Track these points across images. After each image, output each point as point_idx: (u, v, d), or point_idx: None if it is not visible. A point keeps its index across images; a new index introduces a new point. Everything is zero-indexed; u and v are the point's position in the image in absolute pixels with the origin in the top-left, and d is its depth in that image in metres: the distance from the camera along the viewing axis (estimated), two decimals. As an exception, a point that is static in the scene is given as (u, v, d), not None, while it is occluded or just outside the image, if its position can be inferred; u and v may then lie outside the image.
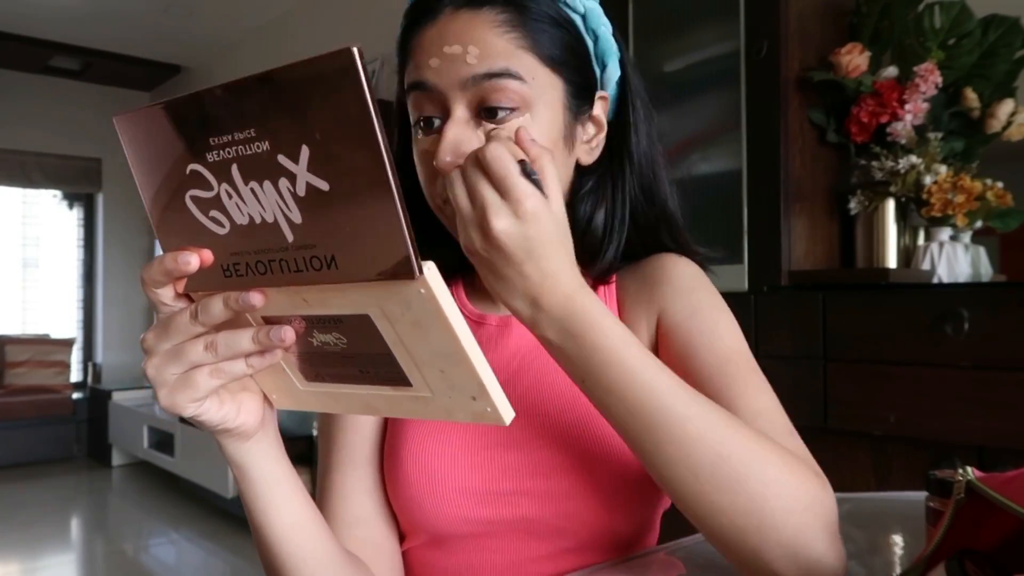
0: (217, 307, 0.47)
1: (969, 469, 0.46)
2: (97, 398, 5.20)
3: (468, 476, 0.67)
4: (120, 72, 5.30)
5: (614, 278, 0.73)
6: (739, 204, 1.77)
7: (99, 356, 5.68)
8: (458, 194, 0.52)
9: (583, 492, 0.65)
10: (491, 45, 0.61)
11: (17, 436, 4.94)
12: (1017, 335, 1.34)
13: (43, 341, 5.41)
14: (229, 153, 0.43)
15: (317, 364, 0.50)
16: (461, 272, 0.78)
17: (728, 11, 1.80)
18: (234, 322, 0.48)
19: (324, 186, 0.41)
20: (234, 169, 0.43)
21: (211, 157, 0.44)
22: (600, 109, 0.69)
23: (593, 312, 0.52)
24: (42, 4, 4.18)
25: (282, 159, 0.41)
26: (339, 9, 3.87)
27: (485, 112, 0.62)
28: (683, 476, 0.51)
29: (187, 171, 0.45)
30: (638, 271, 0.72)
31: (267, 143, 0.41)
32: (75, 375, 5.57)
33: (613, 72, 0.70)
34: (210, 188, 0.45)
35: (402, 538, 0.73)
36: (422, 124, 0.64)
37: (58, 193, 5.70)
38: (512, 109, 0.62)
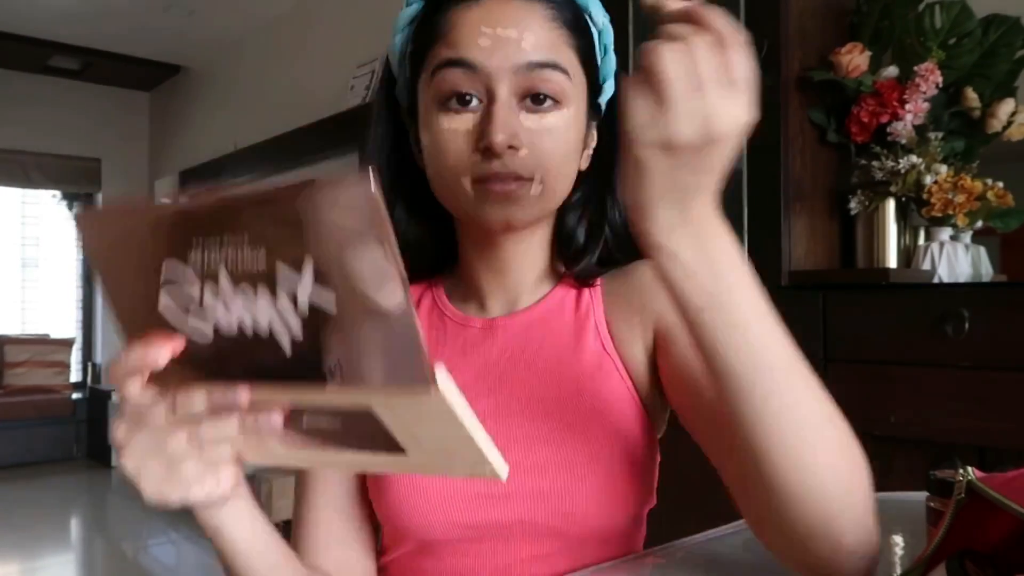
0: (199, 403, 0.45)
1: (969, 469, 0.46)
2: (97, 398, 5.20)
3: (456, 480, 0.66)
4: (120, 72, 5.30)
5: (599, 282, 0.74)
6: (739, 204, 1.76)
7: (99, 356, 5.67)
8: (676, 65, 0.42)
9: (574, 490, 0.65)
10: (543, 36, 0.63)
11: (17, 436, 4.94)
12: (1017, 335, 1.34)
13: (43, 341, 5.41)
14: (215, 254, 0.40)
15: (305, 437, 0.47)
16: (441, 271, 0.78)
17: (728, 11, 1.80)
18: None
19: (331, 299, 0.38)
20: (222, 271, 0.40)
21: (193, 256, 0.40)
22: (597, 120, 0.73)
23: (728, 238, 0.46)
24: (42, 4, 4.18)
25: (282, 268, 0.39)
26: (339, 9, 3.87)
27: (531, 99, 0.63)
28: (789, 427, 0.46)
29: (162, 267, 0.42)
30: (623, 278, 0.73)
31: (264, 250, 0.39)
32: (75, 375, 5.57)
33: (610, 89, 0.72)
34: (191, 288, 0.41)
35: (385, 550, 0.73)
36: (455, 101, 0.64)
37: (58, 193, 5.70)
38: (555, 102, 0.64)
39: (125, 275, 0.44)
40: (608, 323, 0.72)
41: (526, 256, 0.73)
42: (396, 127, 0.74)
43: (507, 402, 0.69)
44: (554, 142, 0.64)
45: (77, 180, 5.60)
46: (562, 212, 0.73)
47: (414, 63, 0.68)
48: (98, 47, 4.88)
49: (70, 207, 5.79)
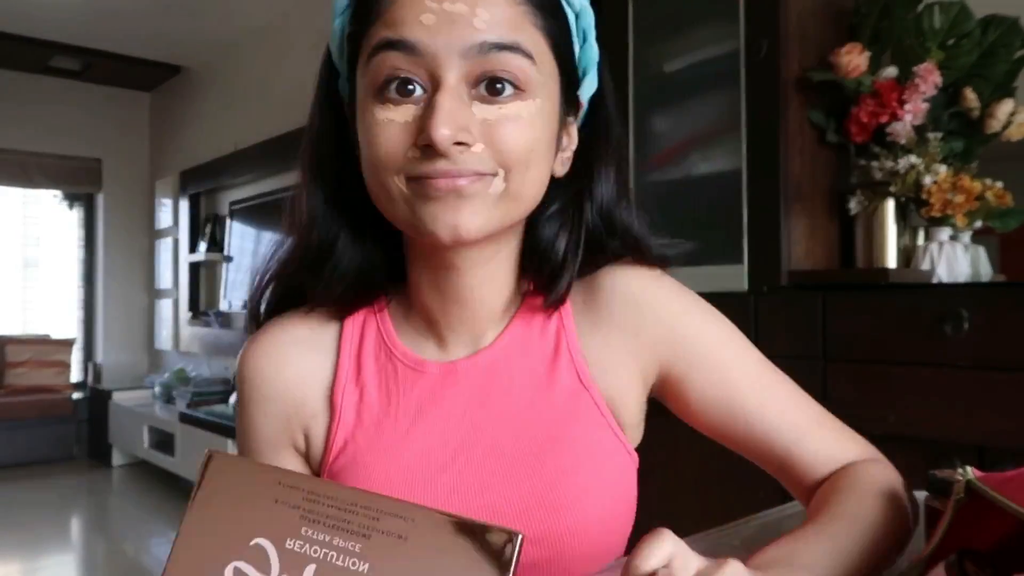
0: None
1: (969, 469, 0.47)
2: (97, 398, 5.20)
3: None
4: (120, 72, 5.30)
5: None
6: (739, 204, 1.77)
7: (99, 356, 5.67)
8: None
9: (559, 532, 0.60)
10: (502, 12, 0.54)
11: (17, 436, 4.93)
12: (1017, 335, 1.34)
13: (43, 341, 5.40)
14: (314, 551, 0.38)
15: None
16: (388, 295, 0.67)
17: (728, 11, 1.80)
18: None
19: None
20: (310, 571, 0.38)
21: (290, 544, 0.38)
22: (575, 119, 0.64)
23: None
24: (42, 4, 4.18)
25: None
26: (339, 9, 3.87)
27: (487, 87, 0.54)
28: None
29: (250, 543, 0.39)
30: (593, 289, 0.66)
31: (367, 566, 0.37)
32: (75, 375, 5.56)
33: (591, 83, 0.63)
34: (266, 573, 0.38)
35: None
36: (394, 89, 0.54)
37: (58, 193, 5.70)
38: (517, 90, 0.54)
39: (211, 535, 0.41)
40: (582, 345, 0.64)
41: (491, 282, 0.63)
42: (338, 126, 0.64)
43: (481, 462, 0.61)
44: (517, 135, 0.55)
45: (78, 180, 5.59)
46: (534, 225, 0.63)
47: (352, 48, 0.59)
48: (98, 47, 4.88)
49: (70, 207, 5.79)
